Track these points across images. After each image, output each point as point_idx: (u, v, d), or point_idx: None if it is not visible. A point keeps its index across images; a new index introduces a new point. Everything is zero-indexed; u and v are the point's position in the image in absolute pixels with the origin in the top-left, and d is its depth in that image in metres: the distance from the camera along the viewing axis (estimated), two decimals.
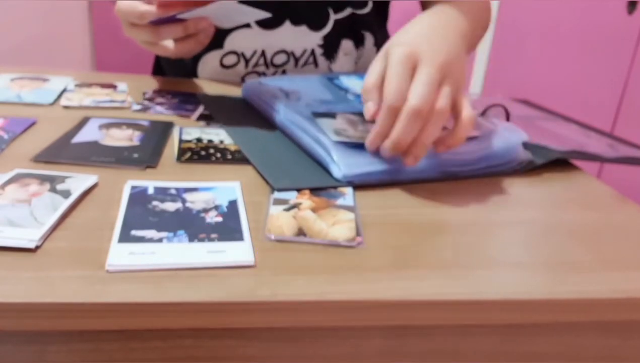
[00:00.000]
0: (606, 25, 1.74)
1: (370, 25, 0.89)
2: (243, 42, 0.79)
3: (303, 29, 0.80)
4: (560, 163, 0.59)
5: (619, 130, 1.81)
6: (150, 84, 0.78)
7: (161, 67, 0.94)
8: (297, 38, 0.80)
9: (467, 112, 0.51)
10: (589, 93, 1.81)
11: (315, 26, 0.81)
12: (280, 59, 0.82)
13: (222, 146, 0.57)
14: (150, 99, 0.71)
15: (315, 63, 0.83)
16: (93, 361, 0.36)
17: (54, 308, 0.33)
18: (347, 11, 0.82)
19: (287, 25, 0.79)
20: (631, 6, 1.67)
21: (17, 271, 0.35)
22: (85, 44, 1.37)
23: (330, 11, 0.81)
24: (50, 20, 1.34)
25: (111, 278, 0.35)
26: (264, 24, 0.78)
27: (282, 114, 0.61)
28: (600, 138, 0.68)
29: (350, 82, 0.72)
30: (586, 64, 1.79)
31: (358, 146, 0.53)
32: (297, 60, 0.82)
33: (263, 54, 0.81)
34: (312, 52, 0.82)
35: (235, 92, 0.75)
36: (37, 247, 0.37)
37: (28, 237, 0.37)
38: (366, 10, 0.85)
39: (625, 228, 0.48)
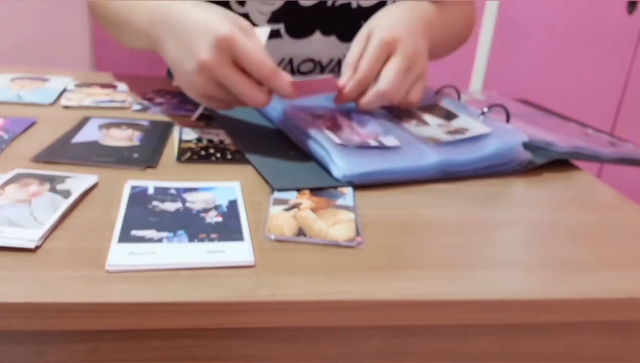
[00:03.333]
0: (606, 25, 1.74)
1: None
2: (272, 49, 0.78)
3: (332, 39, 0.80)
4: (560, 163, 0.59)
5: (619, 130, 1.82)
6: (150, 84, 0.78)
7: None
8: (326, 47, 0.80)
9: (413, 97, 0.62)
10: (589, 93, 1.81)
11: (345, 37, 0.80)
12: (306, 66, 0.82)
13: (222, 146, 0.57)
14: (150, 99, 0.71)
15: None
16: (93, 361, 0.36)
17: (54, 308, 0.33)
18: None
19: (317, 34, 0.78)
20: (631, 6, 1.67)
21: (17, 271, 0.35)
22: (85, 44, 1.37)
23: (363, 23, 0.81)
24: (50, 20, 1.34)
25: (111, 278, 0.35)
26: (294, 34, 0.78)
27: (283, 114, 0.61)
28: (600, 138, 0.68)
29: None
30: (586, 64, 1.79)
31: (358, 146, 0.53)
32: (322, 68, 0.82)
33: (290, 61, 0.81)
34: (339, 62, 0.82)
35: None
36: (37, 247, 0.37)
37: (28, 237, 0.37)
38: None
39: (625, 228, 0.48)
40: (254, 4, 0.74)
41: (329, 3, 0.76)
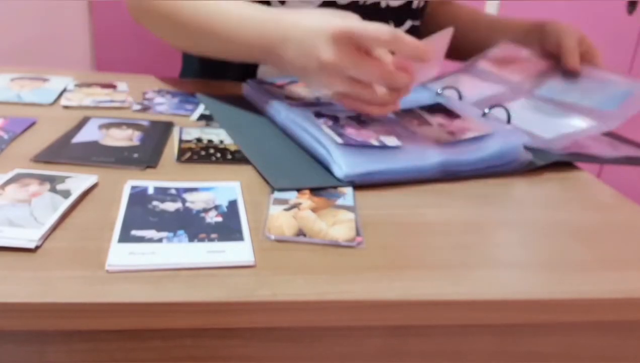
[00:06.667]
0: (606, 25, 1.74)
1: (420, 37, 0.90)
2: None
3: None
4: (560, 163, 0.59)
5: (619, 129, 1.81)
6: (150, 84, 0.78)
7: (195, 69, 0.90)
8: None
9: None
10: None
11: None
12: None
13: (222, 146, 0.57)
14: (150, 99, 0.71)
15: None
16: (93, 361, 0.36)
17: (54, 308, 0.33)
18: (407, 24, 0.83)
19: None
20: (631, 6, 1.67)
21: (17, 271, 0.35)
22: (85, 44, 1.37)
23: (392, 24, 0.81)
24: (50, 20, 1.34)
25: (111, 278, 0.35)
26: None
27: (284, 113, 0.61)
28: (600, 137, 0.68)
29: None
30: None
31: (359, 146, 0.53)
32: None
33: None
34: None
35: (235, 92, 0.75)
36: (37, 247, 0.37)
37: (28, 237, 0.37)
38: (418, 22, 0.86)
39: (625, 228, 0.48)
40: (294, 4, 0.75)
41: (361, 2, 0.78)
